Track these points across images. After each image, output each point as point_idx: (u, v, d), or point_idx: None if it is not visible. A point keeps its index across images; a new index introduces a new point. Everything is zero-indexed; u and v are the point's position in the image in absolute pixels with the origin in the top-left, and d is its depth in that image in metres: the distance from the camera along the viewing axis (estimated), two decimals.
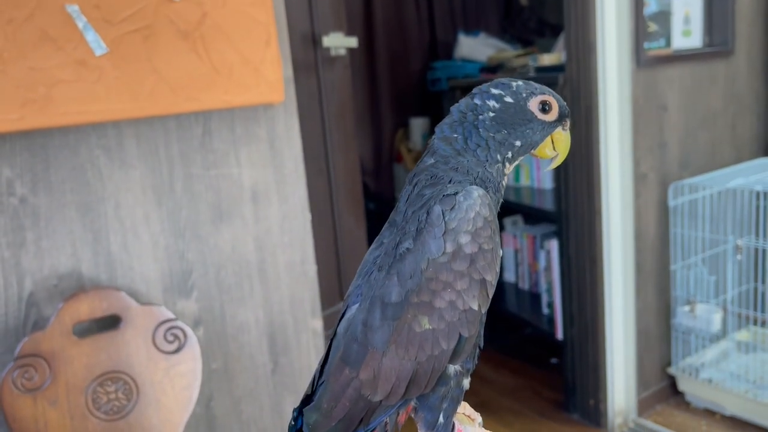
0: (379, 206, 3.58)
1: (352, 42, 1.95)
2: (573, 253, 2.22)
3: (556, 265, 2.42)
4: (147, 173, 1.34)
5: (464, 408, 0.70)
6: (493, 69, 2.80)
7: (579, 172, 2.15)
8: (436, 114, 3.45)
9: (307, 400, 0.66)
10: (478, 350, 0.67)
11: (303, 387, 1.59)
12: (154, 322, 1.27)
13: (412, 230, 0.62)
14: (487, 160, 0.65)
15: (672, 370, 2.31)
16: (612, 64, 2.04)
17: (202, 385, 1.42)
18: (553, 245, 2.47)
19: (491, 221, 0.62)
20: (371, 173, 3.54)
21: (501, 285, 2.96)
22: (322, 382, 0.64)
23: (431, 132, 3.49)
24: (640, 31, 2.06)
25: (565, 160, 2.27)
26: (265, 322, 1.51)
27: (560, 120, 0.68)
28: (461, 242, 0.60)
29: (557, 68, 2.26)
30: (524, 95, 0.66)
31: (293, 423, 0.66)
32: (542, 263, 2.65)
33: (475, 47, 3.23)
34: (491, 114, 0.65)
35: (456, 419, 0.67)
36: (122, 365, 1.24)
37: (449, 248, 0.60)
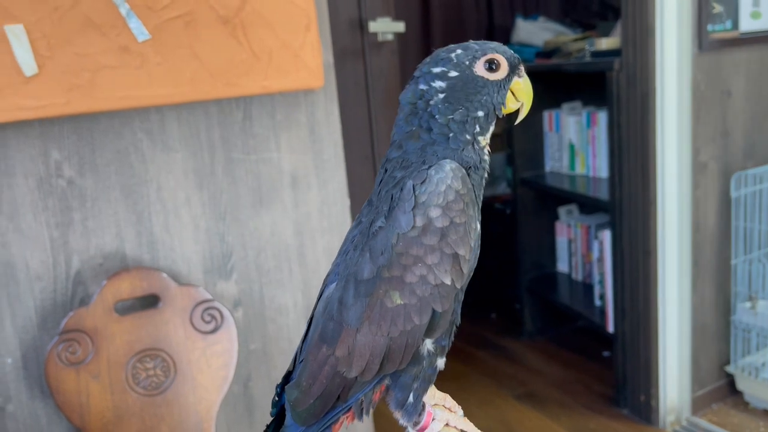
0: None
1: (400, 27, 1.94)
2: (626, 244, 2.15)
3: (608, 257, 2.35)
4: (188, 157, 1.37)
5: (445, 400, 0.69)
6: (549, 54, 2.73)
7: (633, 161, 2.07)
8: None
9: (289, 376, 0.66)
10: (454, 328, 0.66)
11: None
12: (192, 302, 1.30)
13: (384, 209, 0.61)
14: (458, 147, 0.63)
15: (730, 369, 2.21)
16: (671, 48, 1.95)
17: (240, 366, 1.46)
18: (606, 236, 2.40)
19: (464, 195, 0.60)
20: None
21: (554, 275, 2.90)
22: (302, 360, 0.64)
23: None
24: (703, 13, 1.96)
25: (620, 147, 2.19)
26: (303, 306, 1.53)
27: (513, 71, 0.65)
28: (431, 216, 0.59)
29: (615, 53, 2.18)
30: (467, 62, 0.63)
31: (276, 399, 0.67)
32: (596, 254, 2.58)
33: (533, 31, 3.15)
34: (441, 95, 0.63)
35: (426, 401, 0.66)
36: (161, 343, 1.28)
37: (419, 222, 0.59)
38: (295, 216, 1.50)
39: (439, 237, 0.59)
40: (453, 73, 0.62)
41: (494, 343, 2.91)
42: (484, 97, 0.63)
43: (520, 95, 0.65)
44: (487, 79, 0.63)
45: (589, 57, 2.32)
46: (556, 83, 2.75)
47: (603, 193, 2.37)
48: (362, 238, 0.62)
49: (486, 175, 0.65)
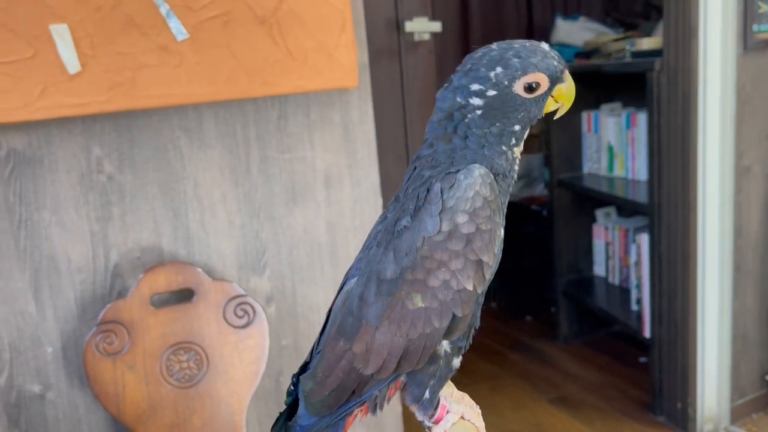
0: None
1: (436, 26, 1.94)
2: (664, 248, 2.11)
3: (646, 261, 2.31)
4: (225, 154, 1.40)
5: (463, 398, 0.68)
6: (588, 54, 2.69)
7: (673, 164, 2.03)
8: None
9: (306, 367, 0.67)
10: (472, 330, 0.66)
11: None
12: (225, 297, 1.32)
13: (410, 208, 0.61)
14: (493, 155, 0.62)
15: None
16: (715, 48, 1.91)
17: (272, 361, 1.48)
18: (644, 239, 2.35)
19: (491, 201, 0.60)
20: None
21: (590, 279, 2.86)
22: (319, 352, 0.65)
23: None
24: (748, 13, 1.91)
25: (659, 149, 2.14)
26: None
27: (554, 84, 0.62)
28: (458, 221, 0.59)
29: (656, 53, 2.13)
30: (506, 83, 0.60)
31: (292, 388, 0.68)
32: (633, 257, 2.53)
33: (573, 31, 3.11)
34: (478, 112, 0.62)
35: (442, 395, 0.66)
36: (194, 336, 1.30)
37: (445, 227, 0.59)
38: (328, 214, 1.51)
39: (464, 243, 0.59)
40: (491, 93, 0.61)
41: (529, 346, 2.88)
42: (521, 113, 0.62)
43: (561, 99, 0.64)
44: (526, 98, 0.61)
45: (630, 57, 2.28)
46: (596, 84, 2.72)
47: (642, 196, 2.33)
48: (386, 235, 0.62)
49: (513, 182, 0.65)
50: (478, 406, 0.69)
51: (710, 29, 1.89)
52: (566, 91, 0.64)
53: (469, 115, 0.62)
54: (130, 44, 1.24)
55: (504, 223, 0.64)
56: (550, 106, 0.64)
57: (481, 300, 0.64)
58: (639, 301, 2.46)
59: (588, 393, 2.44)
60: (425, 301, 0.60)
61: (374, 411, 0.65)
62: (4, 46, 1.16)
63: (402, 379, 0.64)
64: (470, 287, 0.60)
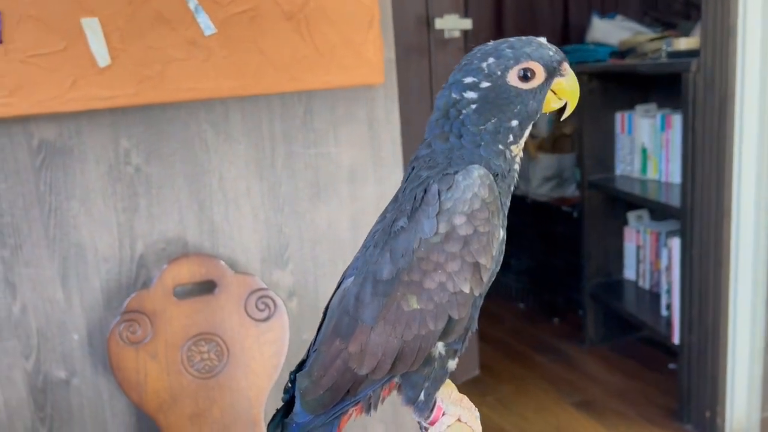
0: None
1: (466, 24, 1.92)
2: (696, 253, 2.07)
3: (677, 265, 2.26)
4: (250, 148, 1.41)
5: (462, 401, 0.68)
6: (623, 54, 2.64)
7: (708, 167, 1.98)
8: None
9: (303, 364, 0.67)
10: (469, 333, 0.65)
11: None
12: (247, 290, 1.33)
13: (407, 209, 0.61)
14: (489, 156, 0.61)
15: None
16: (754, 50, 1.86)
17: (292, 354, 1.48)
18: (675, 243, 2.30)
19: (490, 203, 0.59)
20: None
21: (620, 282, 2.82)
22: (316, 350, 0.65)
23: (558, 118, 3.39)
24: None
25: (694, 152, 2.09)
26: None
27: (552, 74, 0.61)
28: (455, 223, 0.58)
29: (693, 53, 2.09)
30: (499, 73, 0.60)
31: (289, 385, 0.68)
32: (664, 262, 2.49)
33: (610, 30, 3.05)
34: (473, 106, 0.60)
35: (439, 397, 0.65)
36: (216, 328, 1.32)
37: (442, 229, 0.59)
38: (351, 210, 1.51)
39: (461, 245, 0.58)
40: (485, 84, 0.60)
41: (555, 348, 2.85)
42: (518, 107, 0.60)
43: (563, 95, 0.62)
44: (521, 89, 0.60)
45: (666, 57, 2.24)
46: (630, 84, 2.67)
47: (675, 200, 2.28)
48: (383, 235, 0.62)
49: (514, 183, 0.64)
50: (477, 409, 0.69)
51: (749, 29, 1.84)
52: (568, 86, 0.62)
53: (464, 111, 0.61)
54: (159, 38, 1.26)
55: (506, 224, 0.63)
56: (552, 102, 0.63)
57: (480, 302, 0.63)
58: (669, 307, 2.41)
59: (613, 398, 2.41)
60: (421, 303, 0.59)
61: (368, 411, 0.65)
62: (37, 39, 1.19)
63: (397, 380, 0.64)
64: (467, 290, 0.59)
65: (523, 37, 0.61)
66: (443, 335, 0.61)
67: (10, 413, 1.29)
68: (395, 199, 0.65)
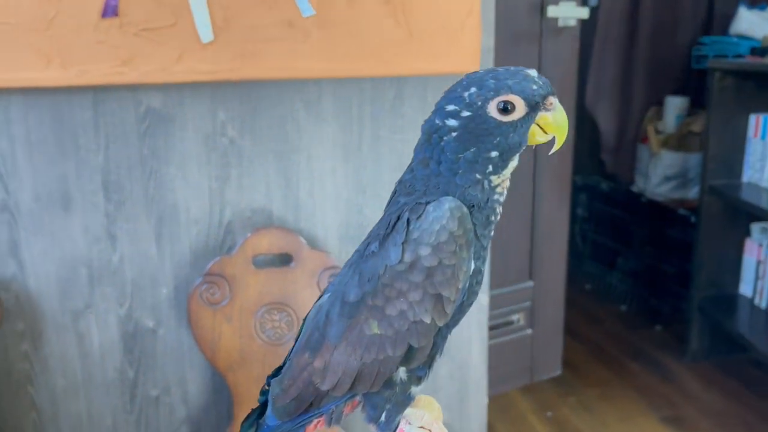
0: (612, 187, 3.36)
1: (583, 13, 1.83)
2: None
3: None
4: (338, 130, 1.44)
5: (432, 425, 0.66)
6: (763, 51, 2.41)
7: None
8: (696, 95, 3.09)
9: (281, 369, 0.69)
10: (435, 360, 0.64)
11: (457, 354, 1.62)
12: (321, 266, 1.38)
13: (380, 234, 0.61)
14: (466, 184, 0.60)
15: None
16: None
17: None
18: None
19: (458, 236, 0.58)
20: (611, 151, 3.31)
21: (733, 297, 2.62)
22: (289, 360, 0.67)
23: (688, 113, 3.15)
24: None
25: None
26: None
27: (534, 109, 0.59)
28: (420, 254, 0.58)
29: None
30: (479, 103, 0.58)
31: (266, 388, 0.70)
32: None
33: (757, 23, 2.80)
34: (453, 134, 0.59)
35: (404, 419, 0.65)
36: (288, 299, 1.38)
37: (407, 258, 0.58)
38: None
39: (424, 276, 0.58)
40: (465, 113, 0.59)
41: (651, 357, 2.71)
42: (497, 138, 0.59)
43: (549, 129, 0.60)
44: (501, 121, 0.58)
45: None
46: None
47: None
48: (358, 257, 0.63)
49: (496, 214, 0.62)
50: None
51: None
52: (554, 122, 0.60)
53: (445, 138, 0.60)
54: (259, 18, 1.31)
55: (486, 256, 0.62)
56: (538, 136, 0.61)
57: (447, 333, 0.62)
58: None
59: (707, 418, 2.27)
60: (381, 329, 0.60)
61: (330, 424, 0.66)
62: (149, 14, 1.27)
63: (358, 398, 0.65)
64: (427, 320, 0.59)
65: (512, 68, 0.60)
66: (404, 361, 0.61)
67: (103, 353, 1.42)
68: (381, 219, 0.65)
